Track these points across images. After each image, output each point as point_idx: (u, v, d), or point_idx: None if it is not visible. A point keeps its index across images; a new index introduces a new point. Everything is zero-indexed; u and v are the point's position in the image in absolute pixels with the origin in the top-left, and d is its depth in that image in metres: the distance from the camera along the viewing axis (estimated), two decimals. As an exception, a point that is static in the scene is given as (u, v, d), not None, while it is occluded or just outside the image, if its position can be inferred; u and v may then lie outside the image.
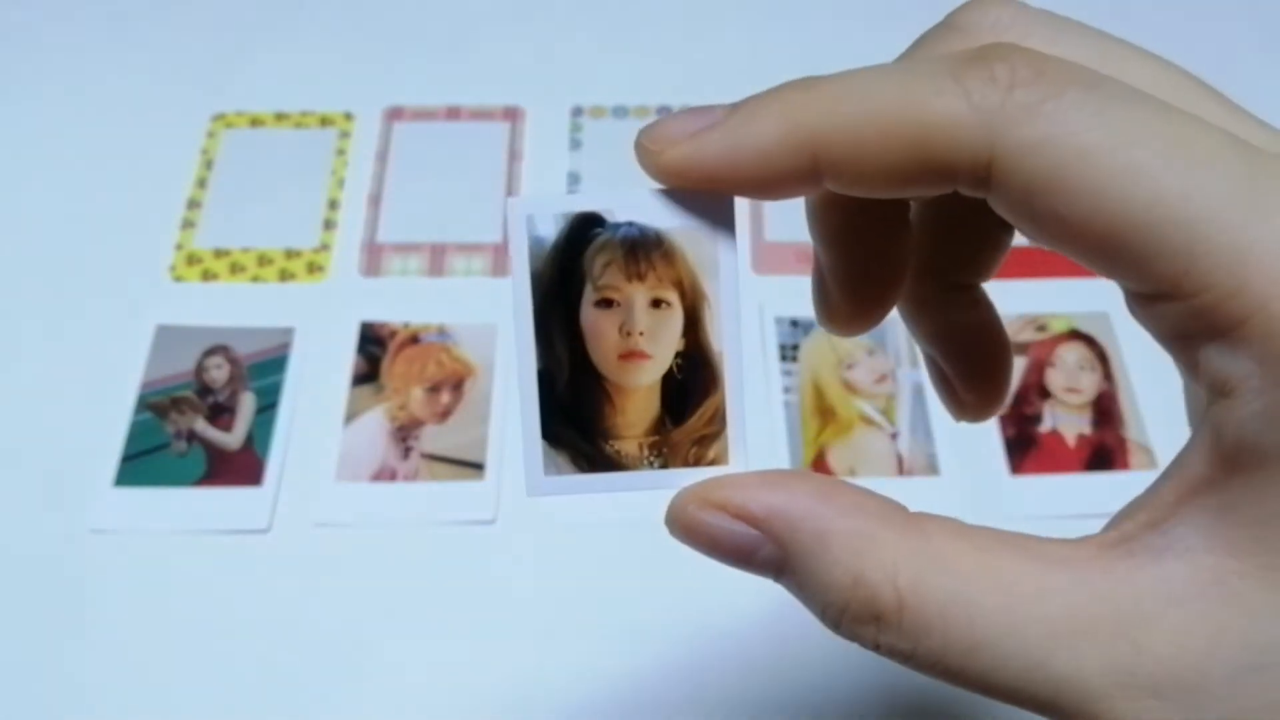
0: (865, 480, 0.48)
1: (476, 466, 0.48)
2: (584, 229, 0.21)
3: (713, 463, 0.21)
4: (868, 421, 0.50)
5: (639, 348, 0.21)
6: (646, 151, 0.20)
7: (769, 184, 0.19)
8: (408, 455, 0.48)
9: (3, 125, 0.60)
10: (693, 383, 0.21)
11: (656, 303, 0.21)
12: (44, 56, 0.63)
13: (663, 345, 0.21)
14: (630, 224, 0.21)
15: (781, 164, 0.19)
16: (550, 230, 0.21)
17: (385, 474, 0.48)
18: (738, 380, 0.21)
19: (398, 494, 0.47)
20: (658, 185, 0.20)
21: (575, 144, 0.60)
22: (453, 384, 0.51)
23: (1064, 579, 0.18)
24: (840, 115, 0.18)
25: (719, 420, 0.21)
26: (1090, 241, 0.17)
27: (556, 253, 0.21)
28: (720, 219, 0.21)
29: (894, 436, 0.49)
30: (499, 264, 0.55)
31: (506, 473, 0.48)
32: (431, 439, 0.49)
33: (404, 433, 0.49)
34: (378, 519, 0.46)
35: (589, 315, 0.21)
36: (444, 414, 0.50)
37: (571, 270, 0.21)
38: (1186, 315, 0.17)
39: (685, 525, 0.20)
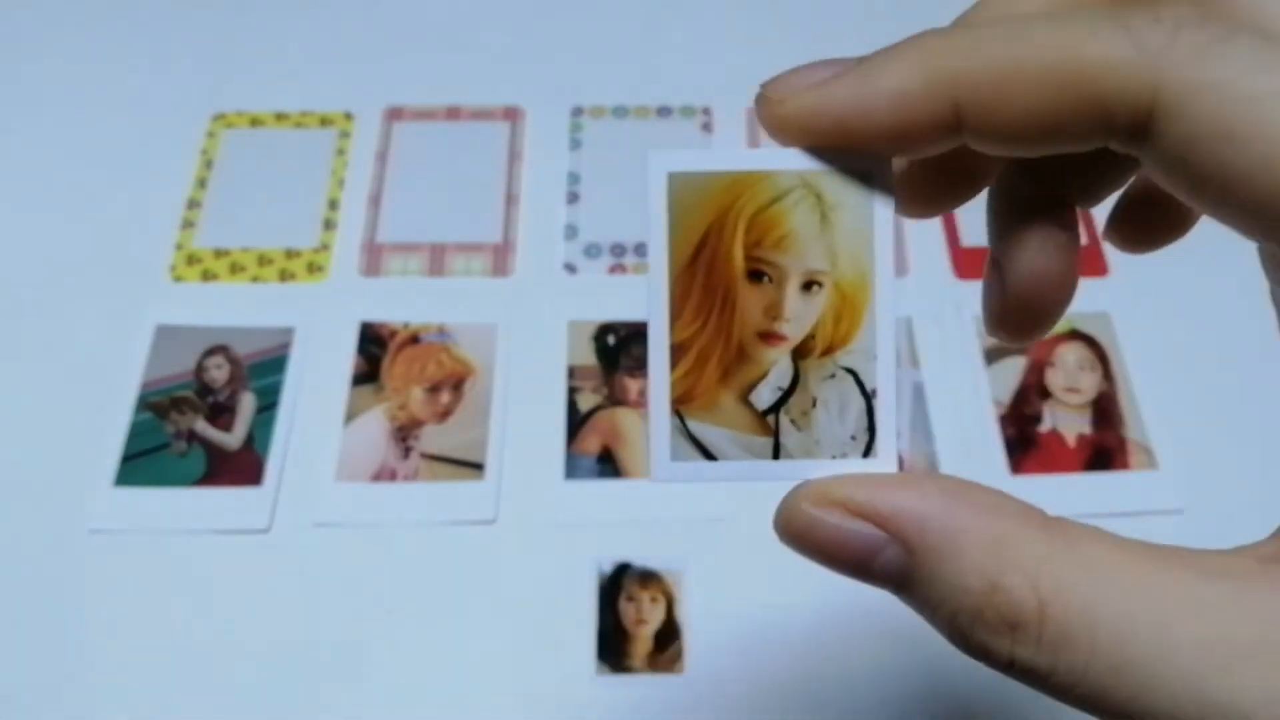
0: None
1: (476, 466, 0.48)
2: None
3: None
4: (868, 421, 0.50)
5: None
6: (768, 102, 0.18)
7: (903, 136, 0.17)
8: (408, 455, 0.48)
9: (3, 125, 0.60)
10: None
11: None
12: (44, 56, 0.63)
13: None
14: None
15: (919, 112, 0.17)
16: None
17: (385, 474, 0.48)
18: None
19: (398, 494, 0.47)
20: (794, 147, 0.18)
21: (575, 144, 0.59)
22: (453, 384, 0.51)
23: (1221, 593, 0.16)
24: (987, 57, 0.17)
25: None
26: (1257, 195, 0.15)
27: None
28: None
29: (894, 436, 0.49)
30: (499, 264, 0.55)
31: (506, 473, 0.48)
32: (431, 439, 0.49)
33: (404, 433, 0.49)
34: (378, 519, 0.46)
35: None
36: (444, 414, 0.50)
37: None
38: None
39: (799, 525, 0.18)
